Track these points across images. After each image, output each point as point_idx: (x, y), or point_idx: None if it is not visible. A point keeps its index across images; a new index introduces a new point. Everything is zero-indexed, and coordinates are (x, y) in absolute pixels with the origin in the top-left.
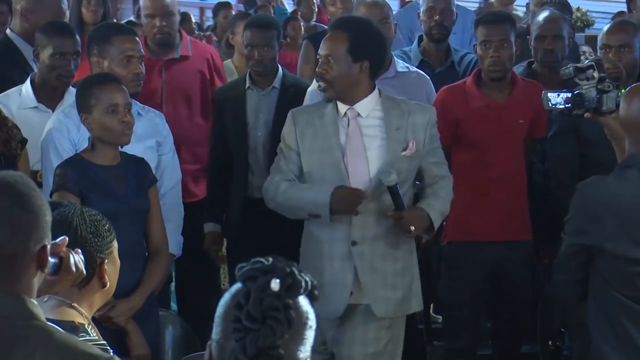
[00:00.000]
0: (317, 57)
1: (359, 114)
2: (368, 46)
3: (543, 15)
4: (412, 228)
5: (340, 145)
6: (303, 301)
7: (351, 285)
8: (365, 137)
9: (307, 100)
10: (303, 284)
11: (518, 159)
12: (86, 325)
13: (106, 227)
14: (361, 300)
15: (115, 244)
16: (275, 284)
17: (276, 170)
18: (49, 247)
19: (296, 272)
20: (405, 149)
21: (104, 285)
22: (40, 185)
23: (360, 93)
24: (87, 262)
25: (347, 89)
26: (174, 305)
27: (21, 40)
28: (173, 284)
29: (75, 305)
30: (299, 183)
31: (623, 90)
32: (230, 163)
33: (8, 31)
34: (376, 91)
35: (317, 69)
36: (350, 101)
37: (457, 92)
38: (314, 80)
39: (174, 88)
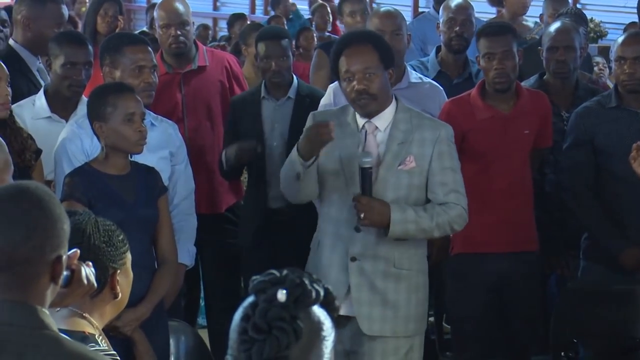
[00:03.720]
0: (347, 74)
1: (377, 128)
2: (391, 52)
3: (554, 26)
4: (362, 215)
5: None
6: (317, 312)
7: (342, 299)
8: (381, 152)
9: None
10: (314, 294)
11: (524, 170)
12: (96, 336)
13: (120, 238)
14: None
15: (128, 255)
16: (281, 295)
17: None
18: (64, 258)
19: (307, 282)
20: (401, 163)
21: (115, 296)
22: None
23: (388, 103)
24: (100, 272)
25: (386, 99)
26: (203, 320)
27: (24, 50)
28: (202, 300)
29: (87, 315)
30: None
31: None
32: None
33: (11, 41)
34: (394, 101)
35: (356, 86)
36: (374, 113)
37: (462, 104)
38: (327, 94)
39: (194, 100)
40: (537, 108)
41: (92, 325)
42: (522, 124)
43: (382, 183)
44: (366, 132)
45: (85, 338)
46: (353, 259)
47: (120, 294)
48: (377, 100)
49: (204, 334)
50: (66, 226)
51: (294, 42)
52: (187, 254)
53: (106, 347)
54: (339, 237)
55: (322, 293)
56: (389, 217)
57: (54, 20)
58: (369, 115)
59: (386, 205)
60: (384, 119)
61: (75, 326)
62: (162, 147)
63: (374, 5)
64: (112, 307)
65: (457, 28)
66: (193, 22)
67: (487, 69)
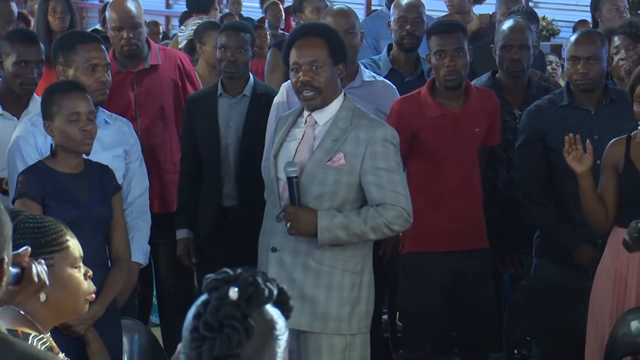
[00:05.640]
0: (294, 65)
1: (316, 122)
2: (343, 48)
3: (508, 24)
4: (288, 224)
5: (281, 154)
6: (270, 310)
7: None
8: (315, 146)
9: (272, 113)
10: (266, 293)
11: (474, 168)
12: (31, 336)
13: (49, 238)
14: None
15: (58, 256)
16: (233, 293)
17: None
18: (6, 260)
19: (260, 281)
20: (330, 160)
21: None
22: (6, 192)
23: (333, 98)
24: None
25: (331, 94)
26: (156, 319)
27: None
28: (155, 298)
29: (24, 314)
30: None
31: None
32: (201, 170)
33: None
34: (341, 97)
35: (301, 77)
36: (318, 106)
37: (412, 103)
38: (280, 92)
39: (147, 99)
40: (486, 106)
41: (32, 325)
42: (472, 122)
43: (308, 177)
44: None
45: (15, 337)
46: (274, 250)
47: (42, 295)
48: (321, 93)
49: (157, 332)
50: (6, 230)
51: None
52: (141, 253)
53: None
54: (266, 230)
55: (275, 292)
56: (316, 224)
57: (4, 18)
58: (313, 108)
59: (313, 213)
60: (325, 113)
61: (12, 324)
62: (116, 145)
63: (327, 3)
64: (46, 309)
65: (408, 26)
66: (146, 21)
67: (438, 66)
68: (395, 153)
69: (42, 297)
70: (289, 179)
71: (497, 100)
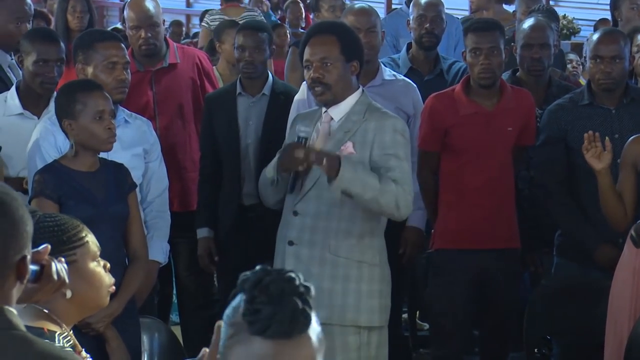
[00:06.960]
0: (306, 62)
1: (332, 118)
2: (357, 45)
3: (529, 23)
4: (314, 155)
5: None
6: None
7: None
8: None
9: (293, 110)
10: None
11: (506, 167)
12: (57, 334)
13: (69, 235)
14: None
15: (80, 252)
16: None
17: None
18: (28, 257)
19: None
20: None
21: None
22: (26, 192)
23: (346, 95)
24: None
25: (343, 91)
26: (175, 317)
27: None
28: (175, 297)
29: (47, 312)
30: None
31: None
32: (221, 169)
33: None
34: (357, 94)
35: (312, 74)
36: (330, 102)
37: (446, 99)
38: (300, 90)
39: (165, 98)
40: (520, 105)
41: (55, 322)
42: (505, 121)
43: (319, 169)
44: (322, 121)
45: (41, 334)
46: (290, 243)
47: (68, 291)
48: (330, 90)
49: (177, 331)
50: (29, 227)
51: None
52: (160, 252)
53: (61, 345)
54: (283, 223)
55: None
56: (339, 162)
57: (13, 14)
58: (325, 104)
59: (335, 155)
60: (340, 110)
61: (36, 322)
62: (135, 144)
63: (347, 2)
64: (71, 305)
65: (428, 25)
66: (164, 21)
67: (472, 64)
68: (404, 145)
69: (68, 293)
70: (298, 138)
71: (532, 100)
